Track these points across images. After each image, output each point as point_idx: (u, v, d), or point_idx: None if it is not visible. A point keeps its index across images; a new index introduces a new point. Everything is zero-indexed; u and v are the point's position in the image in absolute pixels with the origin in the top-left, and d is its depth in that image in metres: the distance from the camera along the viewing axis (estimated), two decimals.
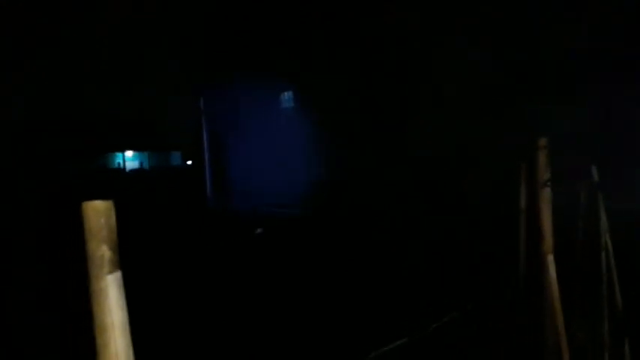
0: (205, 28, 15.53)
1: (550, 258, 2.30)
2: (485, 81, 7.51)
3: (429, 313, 3.61)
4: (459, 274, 5.12)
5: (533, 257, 2.42)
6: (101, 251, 1.07)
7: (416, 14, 8.98)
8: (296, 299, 4.87)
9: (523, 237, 2.54)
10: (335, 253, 7.19)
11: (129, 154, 41.07)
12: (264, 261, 6.92)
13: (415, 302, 4.34)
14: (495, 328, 3.01)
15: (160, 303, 4.57)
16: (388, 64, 9.62)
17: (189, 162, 36.28)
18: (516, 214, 2.66)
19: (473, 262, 5.45)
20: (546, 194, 2.41)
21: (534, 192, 2.49)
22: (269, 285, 5.48)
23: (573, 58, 6.53)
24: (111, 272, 1.07)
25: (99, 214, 1.06)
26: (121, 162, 40.76)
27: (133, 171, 36.65)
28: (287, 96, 12.41)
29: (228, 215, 12.95)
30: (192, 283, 5.69)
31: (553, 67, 6.68)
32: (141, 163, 41.94)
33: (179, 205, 15.96)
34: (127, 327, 1.08)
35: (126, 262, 1.16)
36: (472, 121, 7.65)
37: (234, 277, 5.94)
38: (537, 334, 2.39)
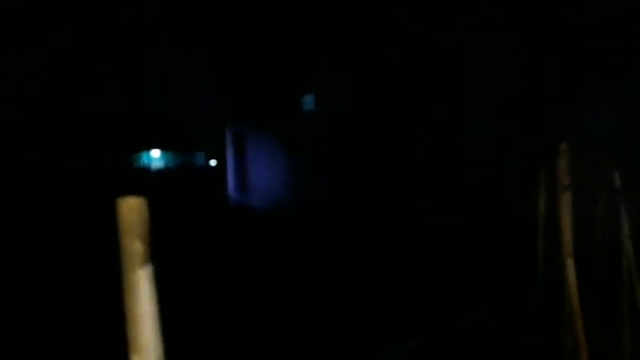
0: (230, 29, 15.69)
1: (570, 262, 2.28)
2: (506, 82, 7.43)
3: (445, 314, 3.59)
4: (477, 276, 5.08)
5: (553, 261, 2.39)
6: (134, 246, 1.11)
7: (439, 16, 8.94)
8: (312, 299, 4.89)
9: (542, 240, 2.51)
10: (355, 254, 7.19)
11: (155, 153, 41.70)
12: (281, 260, 6.96)
13: (432, 303, 4.32)
14: (512, 331, 2.99)
15: (187, 297, 4.65)
16: (412, 67, 9.58)
17: (213, 162, 36.62)
18: (535, 217, 2.63)
19: (490, 264, 5.40)
20: (567, 199, 2.39)
21: (554, 196, 2.47)
22: (286, 284, 5.51)
23: (598, 59, 6.41)
24: (143, 266, 1.11)
25: (132, 210, 1.10)
26: (147, 161, 41.42)
27: (158, 170, 37.22)
28: (309, 99, 12.45)
29: (248, 214, 13.06)
30: (213, 279, 5.77)
31: (576, 68, 6.57)
32: (166, 163, 42.55)
33: (202, 203, 16.16)
34: (157, 318, 1.12)
35: (155, 257, 1.20)
36: (492, 124, 7.57)
37: (250, 275, 5.99)
38: (556, 338, 2.37)
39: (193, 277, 5.90)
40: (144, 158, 40.92)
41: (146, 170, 37.00)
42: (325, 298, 4.95)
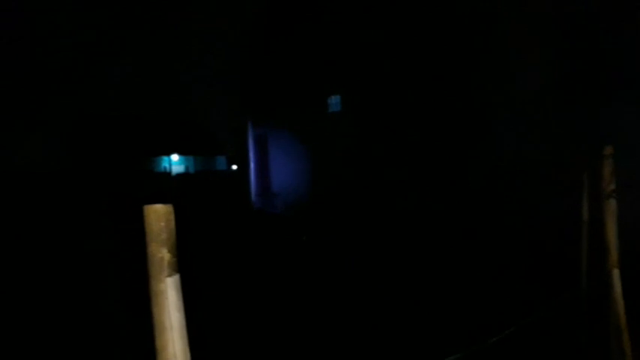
0: (252, 30, 15.83)
1: (616, 273, 2.22)
2: (547, 83, 7.30)
3: (484, 325, 3.54)
4: (517, 287, 4.99)
5: (597, 272, 2.34)
6: (161, 254, 1.12)
7: (468, 13, 8.85)
8: (346, 306, 4.88)
9: (585, 250, 2.46)
10: (385, 259, 7.15)
11: (175, 157, 42.39)
12: (308, 266, 6.96)
13: (470, 314, 4.27)
14: (554, 347, 2.92)
15: (214, 305, 4.69)
16: (443, 68, 9.51)
17: (234, 166, 36.98)
18: (579, 225, 2.58)
19: (531, 275, 5.29)
20: (611, 205, 2.33)
21: (598, 203, 2.41)
22: (317, 292, 5.51)
23: None
24: (170, 275, 1.13)
25: (159, 217, 1.12)
26: (168, 166, 42.13)
27: (179, 175, 37.82)
28: (334, 100, 12.46)
29: (272, 219, 13.12)
30: (241, 286, 5.80)
31: (622, 68, 6.41)
32: (186, 167, 43.18)
33: (224, 208, 16.31)
34: (185, 328, 1.13)
35: (181, 264, 1.22)
36: (532, 126, 7.45)
37: (279, 281, 6.01)
38: (601, 354, 2.31)
39: (223, 285, 5.96)
40: (163, 163, 41.65)
41: (165, 175, 37.64)
42: (364, 307, 4.94)
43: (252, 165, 16.03)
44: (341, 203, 12.13)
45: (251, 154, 16.09)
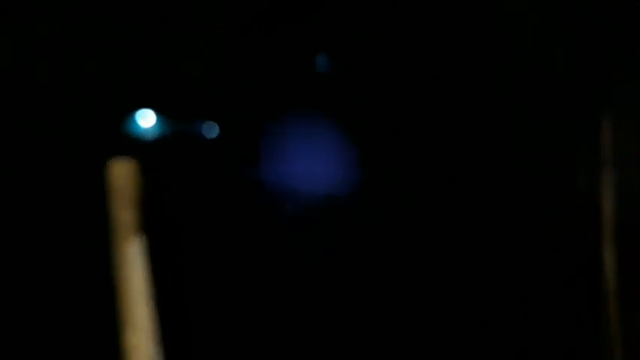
0: None
1: (609, 244, 2.24)
2: (547, 47, 7.26)
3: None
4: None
5: (591, 243, 2.35)
6: (125, 214, 1.09)
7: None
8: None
9: (580, 220, 2.47)
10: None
11: (151, 117, 41.90)
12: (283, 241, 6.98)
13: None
14: (547, 314, 2.97)
15: (187, 272, 4.67)
16: (450, 37, 9.40)
17: (216, 132, 36.65)
18: (574, 196, 2.58)
19: (526, 243, 5.36)
20: (608, 177, 2.33)
21: (595, 174, 2.41)
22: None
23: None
24: (135, 236, 1.09)
25: (124, 174, 1.08)
26: (140, 125, 41.64)
27: (155, 138, 37.46)
28: (321, 59, 12.33)
29: (255, 187, 13.13)
30: (216, 255, 5.79)
31: (628, 45, 6.36)
32: (162, 129, 42.77)
33: (205, 177, 16.24)
34: (151, 293, 1.11)
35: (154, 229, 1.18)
36: (529, 94, 7.45)
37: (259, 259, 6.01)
38: (591, 323, 2.34)
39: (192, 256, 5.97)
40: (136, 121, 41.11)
41: (141, 137, 37.15)
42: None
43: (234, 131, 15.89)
44: (326, 175, 12.06)
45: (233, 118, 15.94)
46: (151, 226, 1.14)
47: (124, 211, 1.09)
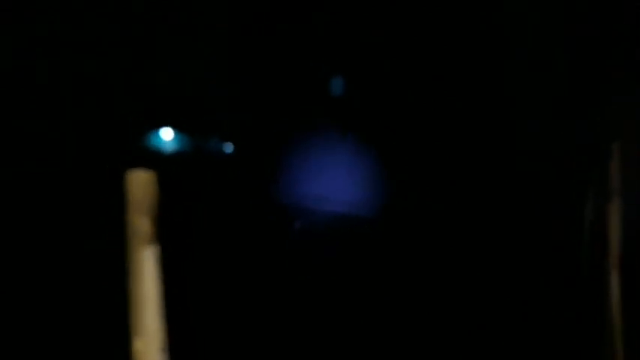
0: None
1: (615, 274, 2.23)
2: (555, 70, 7.24)
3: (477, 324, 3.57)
4: (513, 284, 5.01)
5: (596, 273, 2.35)
6: (141, 223, 1.12)
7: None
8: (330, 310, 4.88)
9: (587, 249, 2.47)
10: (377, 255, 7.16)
11: (169, 134, 42.16)
12: (294, 256, 6.95)
13: (455, 301, 4.29)
14: (550, 345, 2.94)
15: (196, 282, 4.67)
16: (453, 51, 9.43)
17: (229, 147, 36.75)
18: (581, 224, 2.58)
19: (529, 272, 5.30)
20: (616, 205, 2.33)
21: (603, 202, 2.41)
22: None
23: None
24: (149, 245, 1.12)
25: (141, 184, 1.12)
26: (160, 141, 41.86)
27: (173, 152, 37.61)
28: (337, 82, 12.41)
29: (266, 204, 13.10)
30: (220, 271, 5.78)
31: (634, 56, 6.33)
32: (181, 145, 42.93)
33: (219, 189, 16.24)
34: (161, 301, 1.14)
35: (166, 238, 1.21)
36: (535, 117, 7.41)
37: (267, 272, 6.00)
38: (595, 355, 2.33)
39: (204, 267, 5.97)
40: (157, 139, 41.42)
41: (160, 152, 37.35)
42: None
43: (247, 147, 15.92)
44: (335, 189, 12.05)
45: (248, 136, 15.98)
46: (165, 236, 1.18)
47: (140, 220, 1.12)
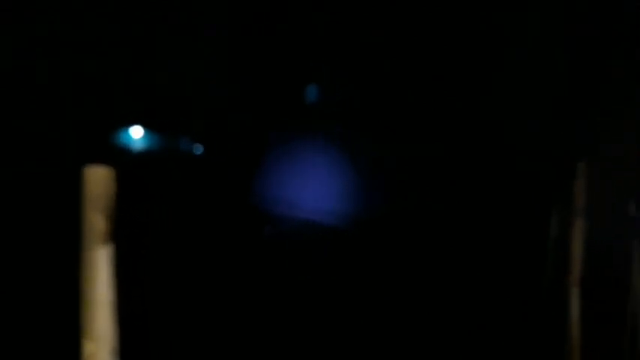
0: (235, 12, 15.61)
1: (576, 292, 2.26)
2: (525, 92, 7.37)
3: (442, 334, 3.57)
4: (477, 298, 5.05)
5: (558, 288, 2.37)
6: (96, 221, 1.06)
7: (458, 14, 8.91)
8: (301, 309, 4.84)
9: (550, 266, 2.49)
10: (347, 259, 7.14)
11: (138, 131, 41.69)
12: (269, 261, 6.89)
13: (420, 310, 4.30)
14: (511, 358, 2.96)
15: (153, 284, 4.56)
16: (432, 60, 9.49)
17: (199, 147, 36.45)
18: (546, 240, 2.61)
19: (493, 286, 5.36)
20: (580, 223, 2.36)
21: (567, 220, 2.44)
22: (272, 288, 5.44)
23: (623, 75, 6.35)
24: (104, 244, 1.07)
25: (99, 181, 1.06)
26: (130, 139, 41.27)
27: (142, 151, 37.12)
28: (312, 89, 12.41)
29: (238, 207, 12.99)
30: (188, 270, 5.67)
31: (598, 84, 6.48)
32: (151, 144, 42.41)
33: (188, 190, 16.07)
34: (113, 302, 1.08)
35: (124, 236, 1.15)
36: (505, 136, 7.52)
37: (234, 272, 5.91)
38: None
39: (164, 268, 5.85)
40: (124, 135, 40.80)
41: (127, 150, 36.73)
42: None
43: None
44: (311, 196, 12.03)
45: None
46: (121, 235, 1.12)
47: (95, 217, 1.06)
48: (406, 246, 8.17)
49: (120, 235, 1.09)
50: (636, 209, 2.90)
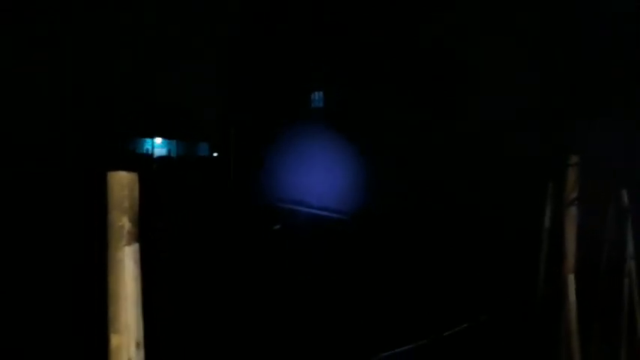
0: (239, 21, 15.68)
1: (571, 278, 2.25)
2: (518, 91, 7.37)
3: (441, 320, 3.57)
4: (477, 287, 5.04)
5: (554, 276, 2.36)
6: (121, 222, 1.08)
7: (447, 21, 8.91)
8: (305, 299, 4.86)
9: (545, 255, 2.49)
10: (348, 255, 7.17)
11: (158, 140, 41.85)
12: (277, 256, 6.93)
13: (429, 308, 4.30)
14: (508, 344, 2.96)
15: (174, 282, 4.62)
16: (426, 67, 9.52)
17: (216, 153, 36.67)
18: (540, 230, 2.61)
19: (492, 277, 5.36)
20: (572, 213, 2.36)
21: (560, 210, 2.44)
22: (279, 282, 5.48)
23: (612, 71, 6.34)
24: (129, 244, 1.09)
25: (123, 185, 1.08)
26: (150, 148, 41.52)
27: (160, 157, 37.31)
28: (317, 96, 12.42)
29: (248, 207, 13.03)
30: (203, 269, 5.73)
31: (590, 79, 6.48)
32: (169, 151, 42.67)
33: (202, 193, 16.14)
34: (140, 299, 1.10)
35: (145, 237, 1.18)
36: (500, 132, 7.52)
37: (246, 270, 5.96)
38: (551, 355, 2.34)
39: (187, 265, 5.90)
40: (146, 145, 41.05)
41: (147, 157, 36.98)
42: (325, 299, 4.92)
43: (233, 154, 15.89)
44: (317, 194, 12.10)
45: (233, 143, 15.94)
46: (145, 236, 1.15)
47: (121, 219, 1.09)
48: (406, 239, 8.17)
49: (144, 235, 1.11)
50: (628, 199, 2.89)
